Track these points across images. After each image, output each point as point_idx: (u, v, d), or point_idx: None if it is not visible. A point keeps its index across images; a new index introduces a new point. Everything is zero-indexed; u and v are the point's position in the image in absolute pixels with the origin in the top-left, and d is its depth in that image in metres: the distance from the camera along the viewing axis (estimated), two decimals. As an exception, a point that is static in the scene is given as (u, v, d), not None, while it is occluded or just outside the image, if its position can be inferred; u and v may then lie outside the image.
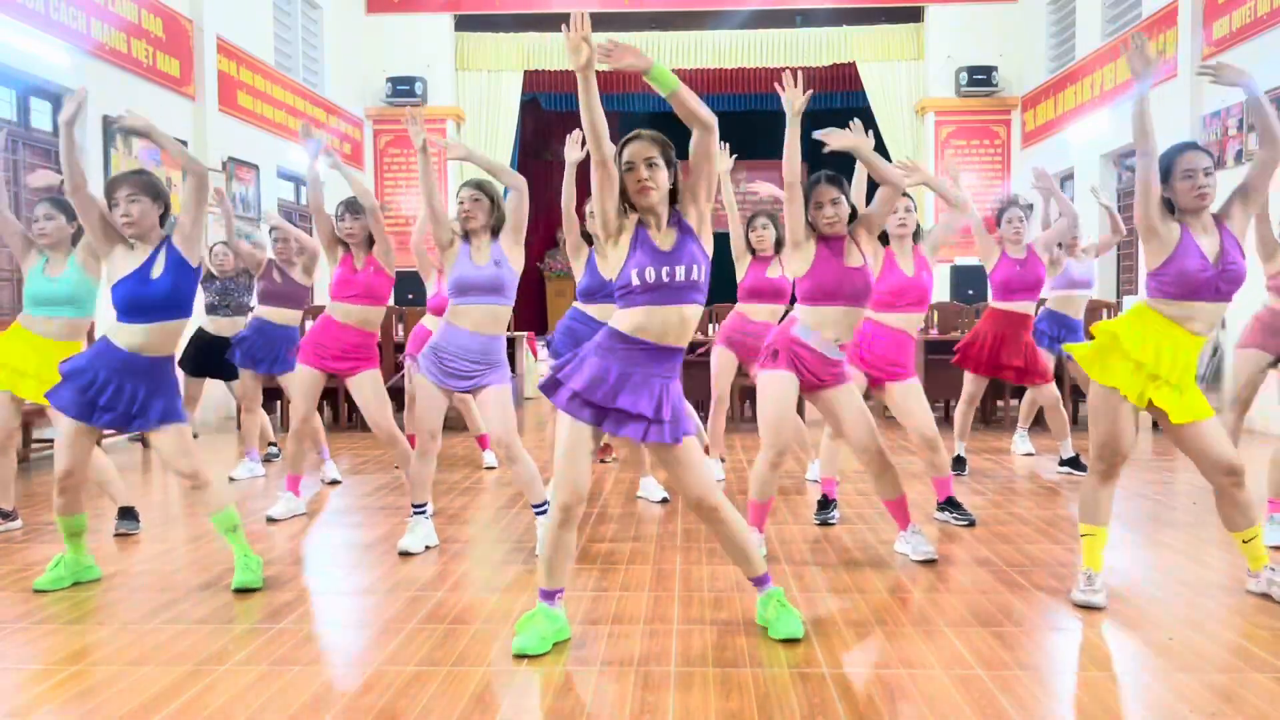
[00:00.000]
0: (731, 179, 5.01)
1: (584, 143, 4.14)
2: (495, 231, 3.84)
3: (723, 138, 4.76)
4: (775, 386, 3.55)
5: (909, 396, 4.18)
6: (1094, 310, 7.46)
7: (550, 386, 2.77)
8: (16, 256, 4.19)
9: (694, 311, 2.71)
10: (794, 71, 3.36)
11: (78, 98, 3.36)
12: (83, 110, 3.37)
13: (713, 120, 2.63)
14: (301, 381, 4.56)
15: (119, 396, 3.29)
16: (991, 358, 5.41)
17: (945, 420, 7.72)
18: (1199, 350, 3.05)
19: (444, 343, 3.79)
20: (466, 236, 3.83)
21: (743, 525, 2.84)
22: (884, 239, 4.29)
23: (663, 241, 2.70)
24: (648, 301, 2.66)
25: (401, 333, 8.30)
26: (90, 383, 3.29)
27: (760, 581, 2.87)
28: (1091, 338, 6.27)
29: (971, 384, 5.60)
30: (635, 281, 2.65)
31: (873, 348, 4.20)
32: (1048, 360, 5.60)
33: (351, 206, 4.48)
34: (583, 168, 4.26)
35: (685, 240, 2.70)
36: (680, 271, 2.65)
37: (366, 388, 4.52)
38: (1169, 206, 3.06)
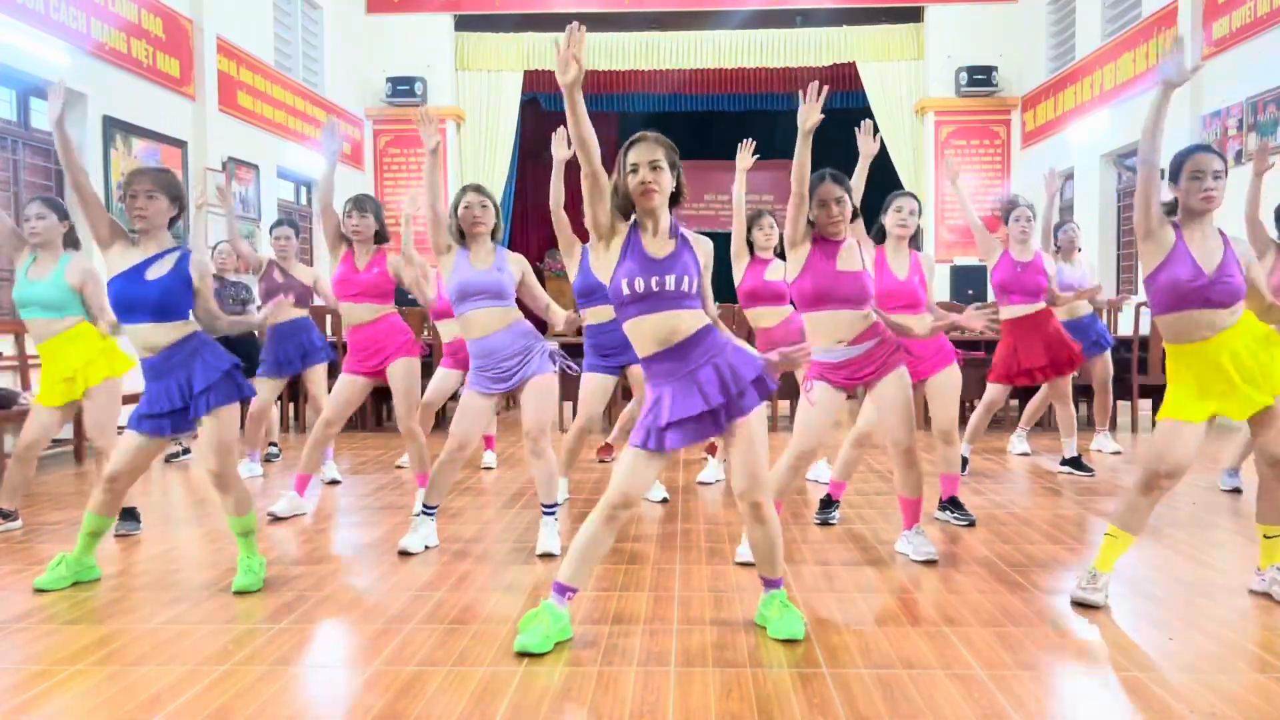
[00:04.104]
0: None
1: (569, 142, 4.15)
2: (493, 236, 3.86)
3: (723, 138, 4.78)
4: (815, 396, 3.59)
5: (943, 386, 4.22)
6: (1094, 311, 7.45)
7: (643, 439, 2.76)
8: (10, 256, 4.21)
9: (688, 316, 2.72)
10: (820, 82, 3.32)
11: (57, 91, 3.35)
12: (65, 101, 3.35)
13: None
14: (344, 391, 4.54)
15: (161, 398, 3.31)
16: (1014, 364, 5.40)
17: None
18: (1237, 338, 2.98)
19: (478, 358, 3.81)
20: (463, 241, 3.83)
21: (777, 527, 2.84)
22: (881, 237, 4.29)
23: (656, 249, 2.71)
24: (639, 312, 2.70)
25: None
26: (148, 399, 3.34)
27: (772, 584, 2.88)
28: (1099, 336, 6.20)
29: (994, 391, 5.57)
30: (625, 291, 2.69)
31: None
32: (1070, 349, 5.54)
33: (359, 204, 4.48)
34: (570, 165, 4.26)
35: (680, 250, 2.72)
36: (670, 281, 2.67)
37: (399, 376, 4.54)
38: (1173, 207, 3.06)
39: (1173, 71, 2.89)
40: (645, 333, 2.71)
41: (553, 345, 3.94)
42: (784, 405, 8.34)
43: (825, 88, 3.30)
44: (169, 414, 3.32)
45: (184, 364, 3.31)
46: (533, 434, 3.80)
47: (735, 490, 2.81)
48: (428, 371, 6.46)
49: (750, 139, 4.68)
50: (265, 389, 5.75)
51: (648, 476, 2.76)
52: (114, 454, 3.43)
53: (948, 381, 4.22)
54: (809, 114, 3.26)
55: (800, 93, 3.32)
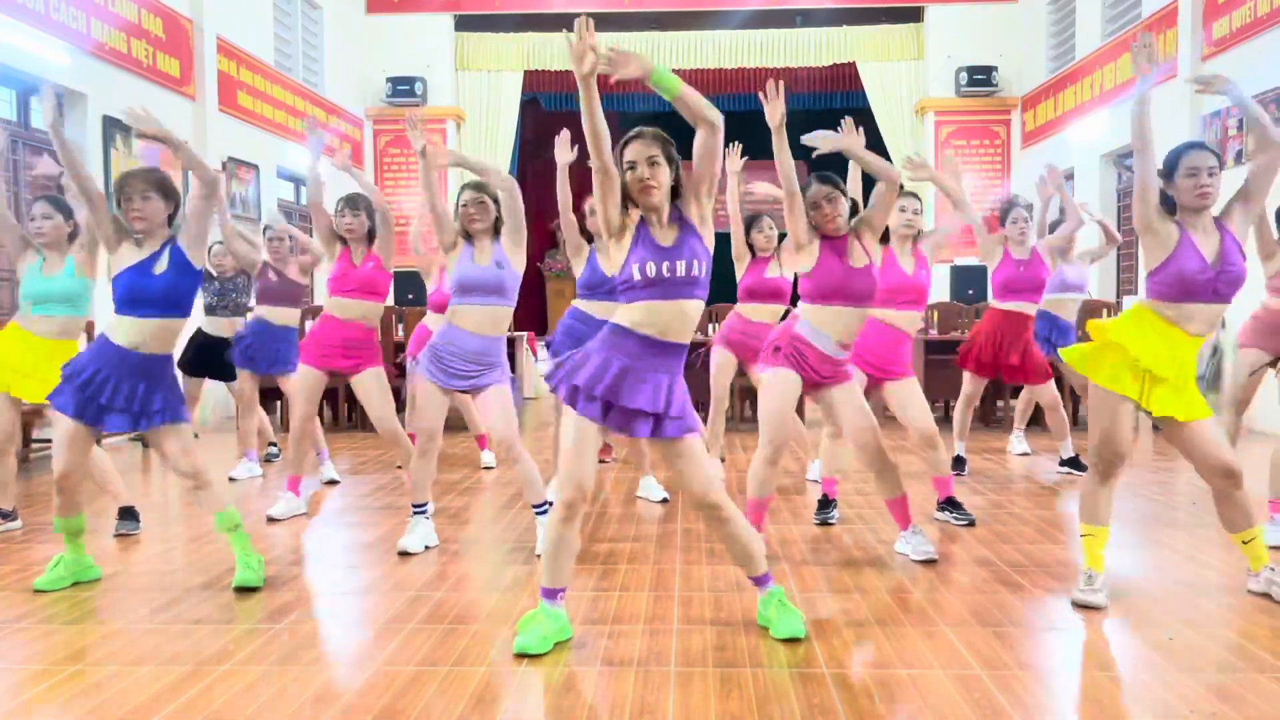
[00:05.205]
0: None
1: (574, 144, 4.14)
2: (496, 233, 3.86)
3: (723, 138, 4.78)
4: (777, 383, 3.56)
5: (907, 395, 4.19)
6: (1093, 311, 7.45)
7: (555, 380, 2.77)
8: (12, 257, 4.19)
9: (695, 306, 2.72)
10: (777, 80, 3.32)
11: (48, 97, 3.38)
12: (60, 105, 3.37)
13: (718, 119, 2.64)
14: (303, 382, 4.56)
15: (118, 394, 3.29)
16: (992, 357, 5.40)
17: (945, 420, 7.72)
18: (1196, 350, 3.05)
19: (443, 343, 3.79)
20: (469, 237, 3.84)
21: (744, 523, 2.85)
22: (885, 237, 4.30)
23: (664, 237, 2.71)
24: (649, 296, 2.68)
25: (402, 332, 8.30)
26: (89, 381, 3.28)
27: (761, 581, 2.88)
28: (1084, 339, 6.23)
29: (970, 384, 5.60)
30: (636, 276, 2.67)
31: (871, 347, 4.20)
32: (1044, 360, 5.56)
33: (351, 203, 4.51)
34: (574, 168, 4.26)
35: (686, 236, 2.72)
36: (681, 267, 2.67)
37: (370, 386, 4.53)
38: (1170, 205, 3.07)
39: (1144, 62, 2.96)
40: (649, 316, 2.68)
41: (514, 376, 3.96)
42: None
43: (783, 83, 3.31)
44: (113, 410, 3.31)
45: (149, 378, 3.33)
46: (505, 443, 3.80)
47: (692, 502, 2.80)
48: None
49: (747, 139, 4.68)
50: (246, 381, 5.78)
51: (591, 463, 2.73)
52: (55, 453, 3.42)
53: (907, 389, 4.19)
54: (773, 111, 3.28)
55: (760, 94, 3.32)
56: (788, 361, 3.55)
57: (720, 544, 3.91)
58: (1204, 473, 3.09)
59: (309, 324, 5.99)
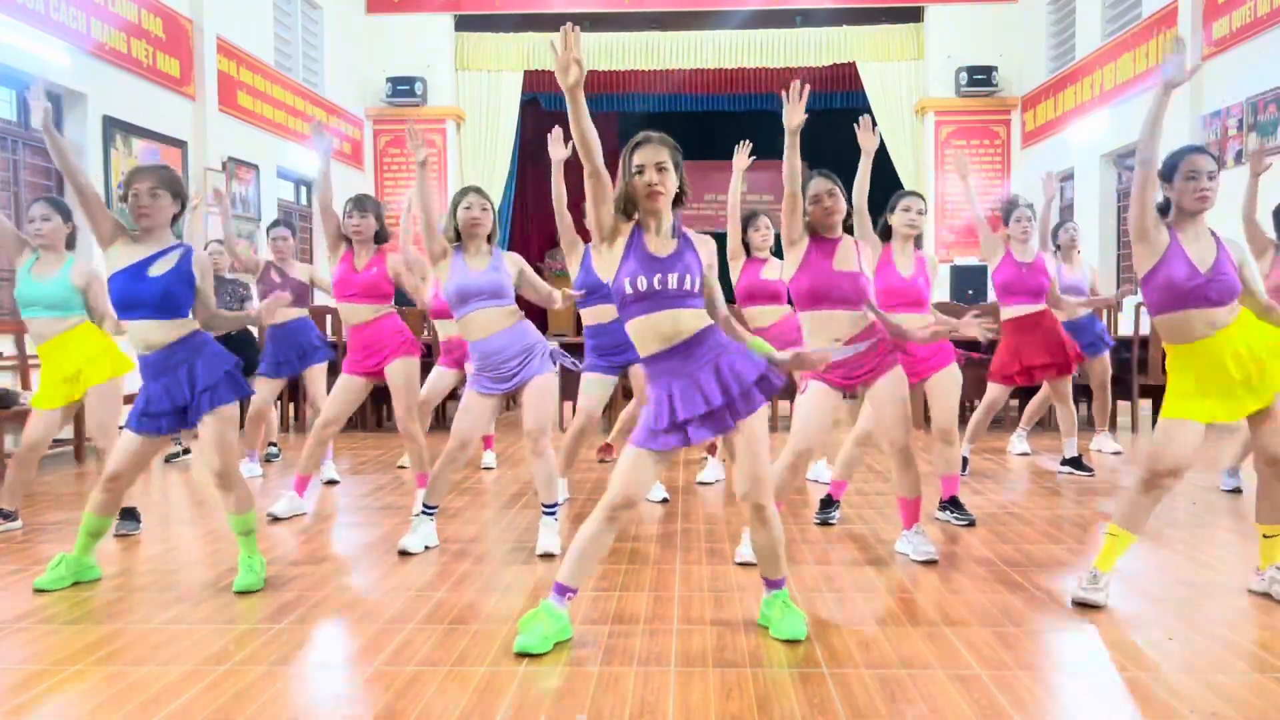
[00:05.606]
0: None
1: (567, 140, 4.16)
2: (488, 239, 3.88)
3: (722, 138, 4.79)
4: (811, 397, 3.62)
5: (944, 384, 4.22)
6: (1093, 312, 7.44)
7: (640, 443, 2.77)
8: (11, 258, 4.21)
9: (690, 314, 2.72)
10: (801, 81, 3.32)
11: (37, 95, 3.34)
12: (47, 105, 3.35)
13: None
14: (341, 387, 4.57)
15: (161, 397, 3.31)
16: (1014, 364, 5.39)
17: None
18: (1253, 328, 3.00)
19: (479, 361, 3.81)
20: (459, 244, 3.84)
21: (781, 529, 2.86)
22: (886, 235, 4.30)
23: (659, 247, 2.72)
24: (641, 310, 2.70)
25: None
26: (146, 398, 3.34)
27: (775, 584, 2.88)
28: (1098, 337, 6.19)
29: (994, 391, 5.57)
30: (628, 290, 2.69)
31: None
32: (1072, 350, 5.52)
33: (359, 204, 4.52)
34: (569, 164, 4.27)
35: (684, 250, 2.74)
36: (673, 280, 2.67)
37: (398, 376, 4.57)
38: (1164, 208, 3.07)
39: (1173, 71, 2.90)
40: (648, 331, 2.71)
41: (554, 345, 3.95)
42: (784, 405, 8.33)
43: (807, 86, 3.29)
44: (168, 413, 3.32)
45: (186, 361, 3.32)
46: (533, 434, 3.80)
47: (738, 493, 2.82)
48: (427, 371, 6.46)
49: (748, 140, 4.68)
50: (264, 389, 5.76)
51: (649, 477, 2.77)
52: (113, 453, 3.43)
53: (947, 381, 4.22)
54: (793, 113, 3.27)
55: (782, 93, 3.32)
56: (814, 379, 3.61)
57: (722, 543, 3.94)
58: (1259, 453, 3.08)
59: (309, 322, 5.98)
